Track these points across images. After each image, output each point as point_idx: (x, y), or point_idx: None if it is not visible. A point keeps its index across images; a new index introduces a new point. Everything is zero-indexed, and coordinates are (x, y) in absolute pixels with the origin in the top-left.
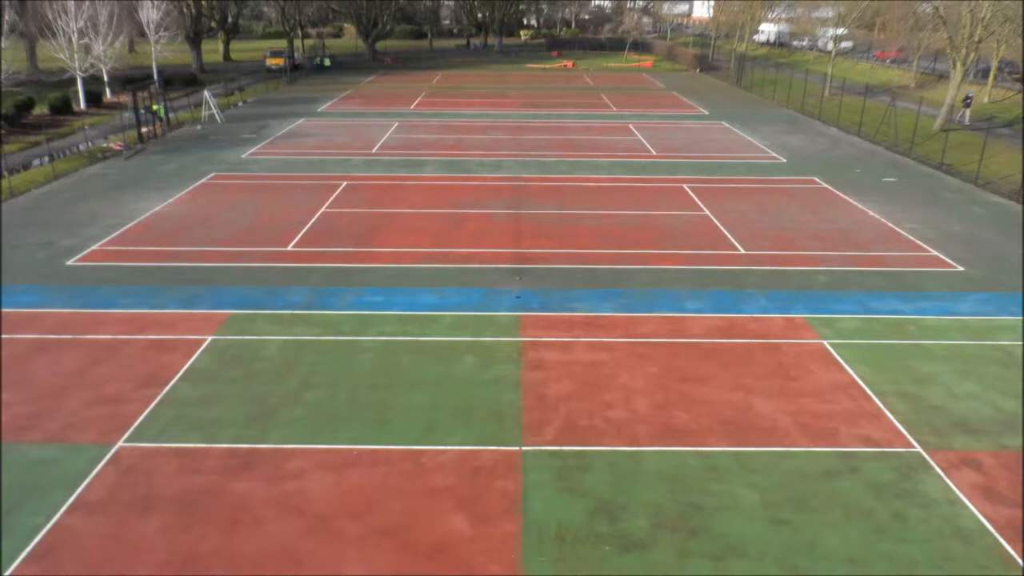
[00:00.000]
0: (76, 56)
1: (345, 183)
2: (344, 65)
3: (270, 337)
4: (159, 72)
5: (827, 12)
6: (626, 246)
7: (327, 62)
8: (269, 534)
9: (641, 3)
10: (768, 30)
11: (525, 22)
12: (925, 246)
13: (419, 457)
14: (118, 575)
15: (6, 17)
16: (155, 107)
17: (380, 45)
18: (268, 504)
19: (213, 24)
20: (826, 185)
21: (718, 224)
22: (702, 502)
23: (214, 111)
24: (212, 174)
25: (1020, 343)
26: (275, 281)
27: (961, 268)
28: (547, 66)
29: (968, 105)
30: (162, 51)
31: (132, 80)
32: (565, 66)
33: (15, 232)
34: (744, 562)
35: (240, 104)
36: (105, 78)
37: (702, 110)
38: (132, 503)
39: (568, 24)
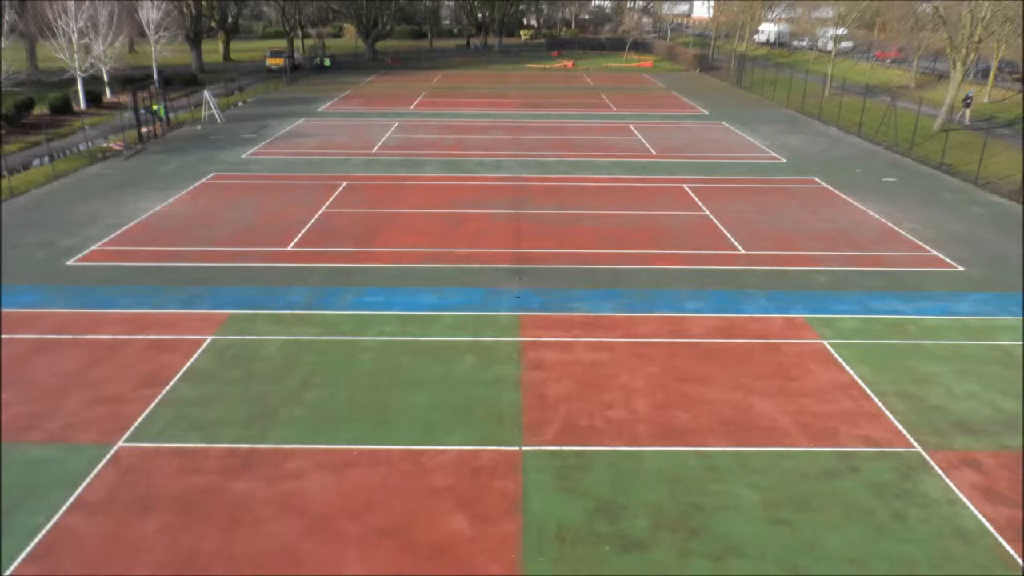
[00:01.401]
0: (76, 56)
1: (345, 183)
2: (344, 65)
3: (270, 337)
4: (159, 72)
5: (827, 12)
6: (626, 246)
7: (327, 62)
8: (269, 534)
9: (641, 3)
10: (768, 30)
11: (525, 22)
12: (925, 246)
13: (419, 457)
14: (118, 575)
15: (6, 17)
16: (155, 107)
17: (380, 45)
18: (268, 504)
19: (213, 24)
20: (826, 185)
21: (718, 224)
22: (702, 502)
23: (214, 111)
24: (212, 174)
25: (1020, 343)
26: (275, 281)
27: (961, 268)
28: (547, 66)
29: (968, 105)
30: (162, 51)
31: (132, 80)
32: (565, 66)
33: (15, 232)
34: (744, 562)
35: (240, 104)
36: (105, 78)
37: (702, 110)
38: (132, 503)
39: (568, 24)
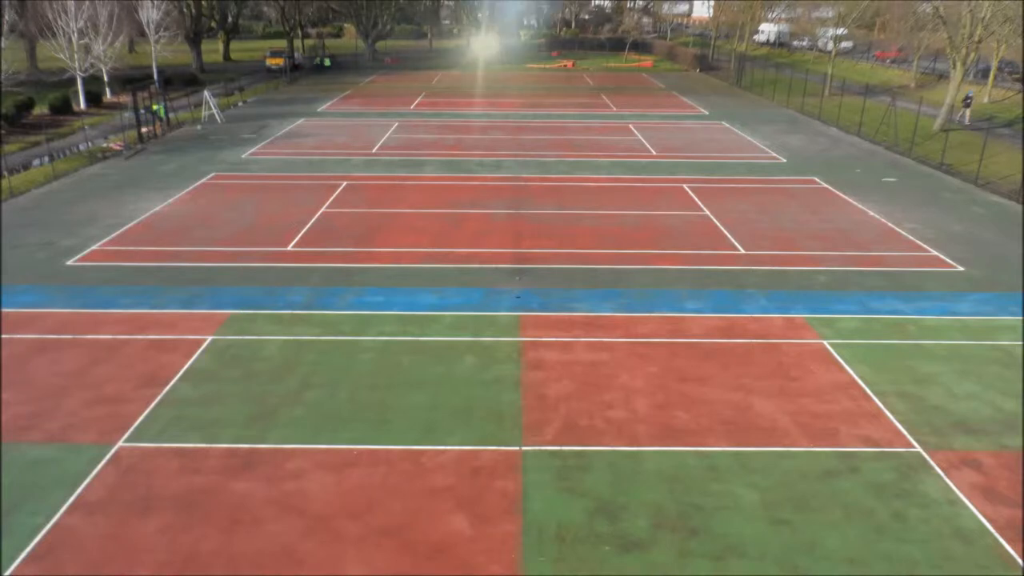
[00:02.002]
0: (76, 56)
1: (345, 183)
2: (344, 65)
3: (270, 337)
4: (159, 72)
5: (827, 12)
6: (626, 246)
7: (327, 62)
8: (269, 534)
9: (641, 3)
10: (768, 30)
11: (525, 22)
12: (925, 246)
13: (419, 457)
14: (118, 575)
15: (6, 17)
16: (155, 107)
17: (380, 45)
18: (268, 504)
19: (213, 24)
20: (826, 185)
21: (718, 224)
22: (702, 502)
23: (214, 111)
24: (212, 174)
25: (1020, 343)
26: (275, 281)
27: (961, 268)
28: (547, 66)
29: (968, 105)
30: (162, 51)
31: (132, 80)
32: (565, 66)
33: (15, 232)
34: (744, 562)
35: (240, 104)
36: (105, 78)
37: (702, 110)
38: (132, 503)
39: (568, 24)
